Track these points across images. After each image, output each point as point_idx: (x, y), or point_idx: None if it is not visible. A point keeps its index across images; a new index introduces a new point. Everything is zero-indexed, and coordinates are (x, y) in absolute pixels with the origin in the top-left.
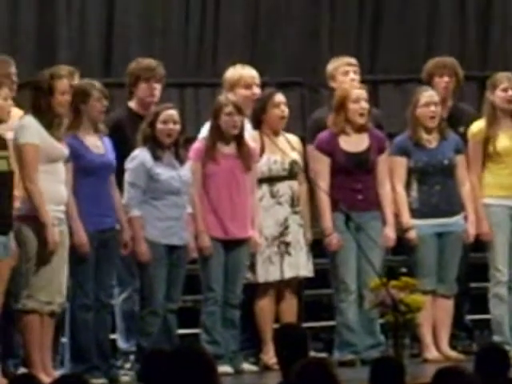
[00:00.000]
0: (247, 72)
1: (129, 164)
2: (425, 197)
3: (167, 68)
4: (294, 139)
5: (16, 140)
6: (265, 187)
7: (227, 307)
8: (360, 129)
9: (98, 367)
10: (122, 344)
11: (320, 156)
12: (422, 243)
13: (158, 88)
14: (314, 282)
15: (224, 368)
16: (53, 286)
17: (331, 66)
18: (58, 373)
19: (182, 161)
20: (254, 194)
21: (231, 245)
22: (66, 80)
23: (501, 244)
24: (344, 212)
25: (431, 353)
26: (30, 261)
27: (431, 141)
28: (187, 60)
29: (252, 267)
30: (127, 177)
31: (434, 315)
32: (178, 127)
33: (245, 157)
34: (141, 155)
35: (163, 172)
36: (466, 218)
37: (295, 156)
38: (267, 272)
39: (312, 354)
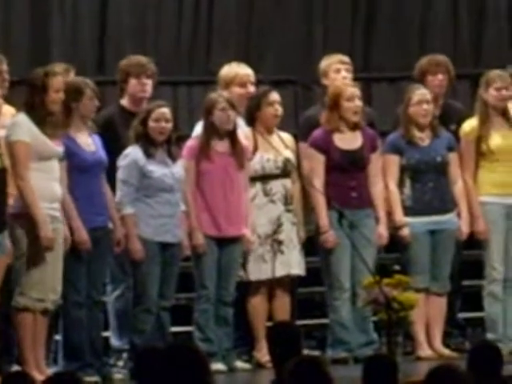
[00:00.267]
0: (242, 70)
1: (121, 162)
2: (418, 194)
3: (160, 66)
4: (287, 137)
5: (8, 137)
6: (258, 185)
7: (220, 305)
8: (354, 127)
9: (91, 365)
10: (114, 342)
11: (315, 153)
12: (415, 241)
13: (148, 84)
14: (306, 280)
15: (217, 366)
16: (46, 284)
17: (324, 64)
18: (51, 370)
19: (174, 158)
20: (247, 192)
21: (224, 242)
22: (60, 77)
23: (496, 242)
24: (337, 210)
25: (424, 351)
26: (21, 258)
27: (424, 138)
28: (180, 58)
29: (244, 265)
30: (120, 174)
31: (427, 313)
32: (170, 125)
33: (238, 154)
34: (133, 153)
35: (156, 169)
36: (459, 215)
37: (288, 154)
38: (259, 270)
39: (305, 351)
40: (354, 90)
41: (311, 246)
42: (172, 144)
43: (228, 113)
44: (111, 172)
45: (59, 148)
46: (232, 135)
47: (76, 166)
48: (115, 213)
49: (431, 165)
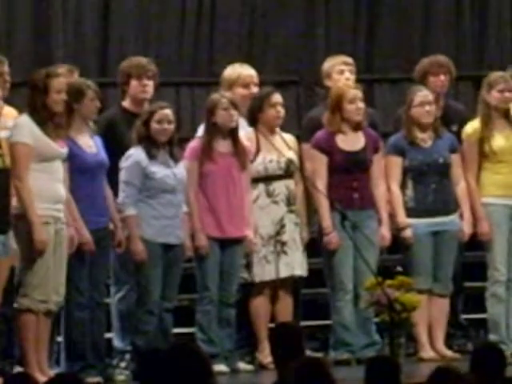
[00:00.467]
0: (245, 71)
1: (124, 163)
2: (420, 196)
3: (163, 67)
4: (290, 138)
5: (10, 138)
6: (261, 186)
7: (222, 306)
8: (356, 127)
9: (94, 366)
10: (117, 343)
11: (317, 155)
12: (418, 242)
13: (149, 85)
14: (310, 281)
15: (219, 367)
16: (48, 285)
17: (327, 65)
18: (53, 372)
19: (176, 159)
20: (248, 193)
21: (227, 244)
22: (62, 78)
23: (500, 243)
24: (339, 211)
25: (427, 352)
26: (24, 259)
27: (426, 140)
28: (183, 59)
29: (248, 266)
30: (122, 176)
31: (430, 314)
32: (172, 126)
33: (240, 154)
34: (135, 154)
35: (158, 170)
36: (461, 216)
37: (291, 155)
38: (263, 271)
39: (307, 353)
40: (356, 92)
41: (314, 247)
42: (174, 145)
43: (231, 112)
44: (114, 173)
45: (63, 149)
46: (234, 135)
47: (77, 168)
48: (116, 214)
49: (433, 166)
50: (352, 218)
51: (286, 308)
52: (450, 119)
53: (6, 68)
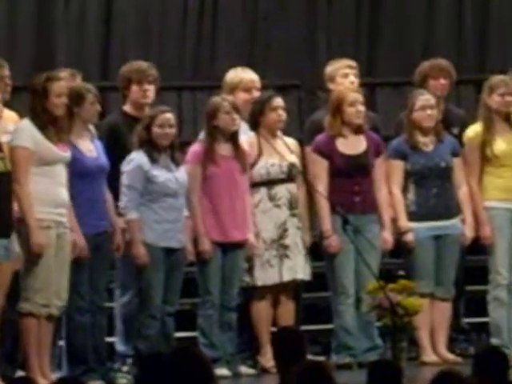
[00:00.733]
0: (247, 75)
1: (125, 167)
2: (422, 200)
3: (164, 71)
4: (292, 142)
5: (11, 142)
6: (263, 190)
7: (224, 310)
8: (357, 130)
9: (95, 370)
10: (120, 347)
11: (318, 159)
12: (420, 246)
13: (150, 89)
14: (311, 285)
15: (221, 371)
16: (50, 289)
17: (330, 68)
18: (55, 376)
19: (177, 163)
20: (249, 197)
21: (229, 247)
22: (62, 82)
23: (502, 247)
24: (341, 215)
25: (429, 356)
26: (26, 263)
27: (428, 144)
28: (184, 63)
29: (250, 270)
30: (124, 180)
31: (432, 318)
32: (174, 131)
33: (241, 157)
34: (137, 158)
35: (160, 174)
36: (463, 220)
37: (293, 159)
38: (266, 275)
39: (310, 357)
40: (356, 96)
41: (316, 250)
42: (175, 149)
43: (233, 116)
44: (117, 178)
45: (65, 153)
46: (234, 138)
47: (77, 172)
48: (116, 217)
49: (435, 170)
50: (354, 221)
51: (287, 312)
52: (451, 123)
53: (6, 72)
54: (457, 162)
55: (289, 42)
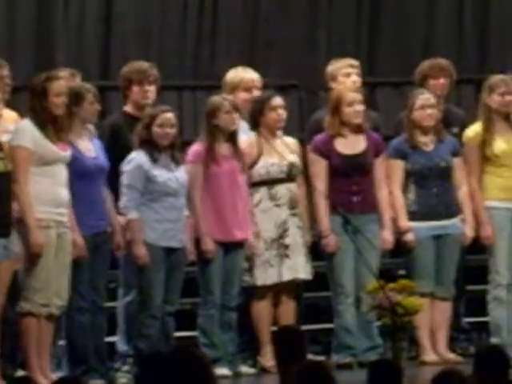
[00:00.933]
0: (248, 75)
1: (126, 166)
2: (422, 199)
3: (165, 71)
4: (292, 141)
5: (10, 142)
6: (263, 190)
7: (224, 310)
8: (356, 129)
9: (96, 369)
10: (121, 346)
11: (316, 158)
12: (420, 246)
13: (151, 90)
14: (312, 285)
15: (222, 371)
16: (50, 289)
17: (332, 67)
18: (55, 375)
19: (178, 163)
20: (248, 196)
21: (231, 247)
22: (61, 82)
23: (502, 247)
24: (342, 215)
25: (429, 355)
26: (25, 262)
27: (428, 143)
28: (185, 63)
29: (250, 270)
30: (124, 179)
31: (432, 318)
32: (174, 130)
33: (240, 157)
34: (137, 157)
35: (160, 174)
36: (463, 220)
37: (293, 158)
38: (266, 275)
39: (310, 356)
40: (354, 95)
41: (316, 250)
42: (176, 149)
43: (233, 115)
44: (118, 178)
45: (65, 152)
46: (233, 138)
47: (77, 172)
48: (115, 217)
49: (435, 170)
50: (353, 221)
51: (288, 311)
52: (451, 122)
53: (6, 72)
54: (457, 162)
55: (289, 41)
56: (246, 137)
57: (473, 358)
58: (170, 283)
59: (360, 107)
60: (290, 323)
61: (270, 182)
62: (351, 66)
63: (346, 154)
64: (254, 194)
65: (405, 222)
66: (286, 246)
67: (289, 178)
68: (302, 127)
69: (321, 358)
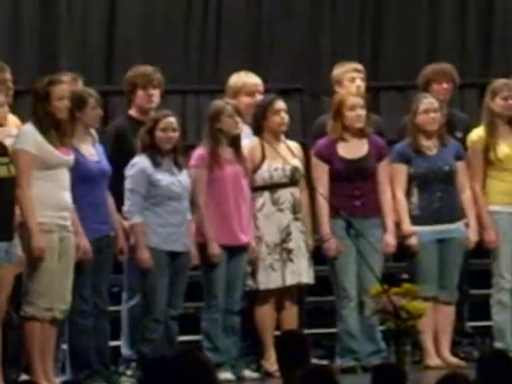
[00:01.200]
0: (250, 79)
1: (129, 171)
2: (425, 203)
3: (169, 75)
4: (295, 146)
5: (13, 146)
6: (266, 194)
7: (228, 314)
8: (359, 134)
9: (99, 373)
10: (125, 350)
11: (318, 163)
12: (423, 250)
13: (155, 94)
14: (315, 289)
15: (225, 375)
16: (53, 293)
17: (338, 71)
18: (59, 380)
19: (180, 167)
20: (250, 200)
21: (234, 251)
22: (64, 86)
23: (505, 251)
24: (344, 218)
25: (433, 359)
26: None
27: (431, 148)
28: (188, 67)
29: (253, 274)
30: (127, 184)
31: (436, 322)
32: (177, 134)
33: (243, 161)
34: (140, 162)
35: (163, 178)
36: (467, 224)
37: (296, 163)
38: (269, 279)
39: (313, 360)
40: (355, 100)
41: (319, 254)
42: (178, 153)
43: (236, 119)
44: (122, 182)
45: (68, 157)
46: (235, 142)
47: (80, 176)
48: (117, 221)
49: (439, 174)
50: (356, 225)
51: (291, 316)
52: (454, 126)
53: (8, 75)
54: (460, 166)
55: (292, 45)
56: (248, 141)
57: (476, 363)
58: (174, 287)
59: (362, 111)
60: (293, 327)
61: (273, 187)
62: (356, 70)
63: (349, 159)
64: (256, 198)
65: (408, 226)
66: (290, 251)
67: (291, 182)
68: (304, 131)
69: (324, 362)
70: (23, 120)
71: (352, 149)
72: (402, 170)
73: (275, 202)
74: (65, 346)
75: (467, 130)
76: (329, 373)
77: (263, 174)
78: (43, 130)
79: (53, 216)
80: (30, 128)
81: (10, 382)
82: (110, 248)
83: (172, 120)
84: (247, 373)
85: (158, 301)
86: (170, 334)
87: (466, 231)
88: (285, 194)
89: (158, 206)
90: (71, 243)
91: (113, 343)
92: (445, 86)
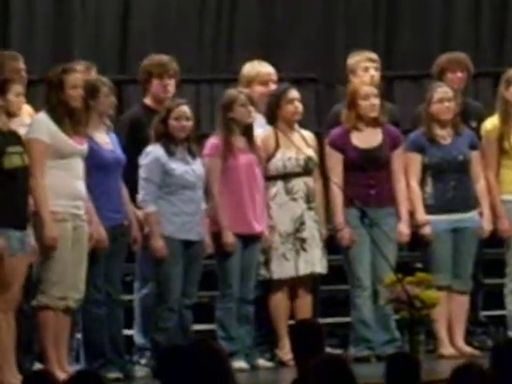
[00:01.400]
0: (264, 68)
1: (143, 160)
2: (440, 193)
3: (182, 64)
4: (309, 135)
5: (26, 135)
6: (279, 184)
7: (242, 303)
8: (373, 123)
9: (113, 362)
10: (138, 340)
11: (332, 152)
12: (437, 239)
13: (171, 83)
14: (329, 278)
15: (239, 364)
16: (66, 282)
17: (352, 61)
18: (73, 369)
19: (194, 155)
20: (264, 189)
21: (248, 240)
22: (78, 74)
23: None
24: (358, 208)
25: (446, 349)
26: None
27: (445, 137)
28: (202, 56)
29: (266, 264)
30: (142, 173)
31: (449, 311)
32: (190, 123)
33: (256, 150)
34: (154, 151)
35: (177, 167)
36: (481, 213)
37: (310, 152)
38: (282, 268)
39: (327, 350)
40: (369, 89)
41: (333, 243)
42: (191, 141)
43: (249, 108)
44: (136, 171)
45: (82, 146)
46: (248, 131)
47: (95, 164)
48: (131, 211)
49: (453, 163)
50: (370, 215)
51: (305, 305)
52: (469, 116)
53: (22, 65)
54: (474, 155)
55: (307, 35)
56: (262, 130)
57: (490, 352)
58: (188, 276)
59: (375, 101)
60: (307, 317)
61: (287, 176)
62: (370, 59)
63: (363, 148)
64: (270, 187)
65: (422, 216)
66: (303, 240)
67: (305, 171)
68: (319, 121)
69: (338, 351)
70: (37, 109)
71: (366, 138)
72: (416, 160)
73: (289, 192)
74: (79, 335)
75: (481, 119)
76: (343, 362)
77: (277, 163)
78: (57, 118)
79: (66, 205)
80: (43, 117)
81: (24, 371)
82: (124, 237)
83: (186, 109)
84: (261, 362)
85: (173, 290)
86: (184, 323)
87: (480, 220)
88: (298, 184)
89: (172, 194)
90: (85, 232)
91: (126, 332)
92: (459, 75)
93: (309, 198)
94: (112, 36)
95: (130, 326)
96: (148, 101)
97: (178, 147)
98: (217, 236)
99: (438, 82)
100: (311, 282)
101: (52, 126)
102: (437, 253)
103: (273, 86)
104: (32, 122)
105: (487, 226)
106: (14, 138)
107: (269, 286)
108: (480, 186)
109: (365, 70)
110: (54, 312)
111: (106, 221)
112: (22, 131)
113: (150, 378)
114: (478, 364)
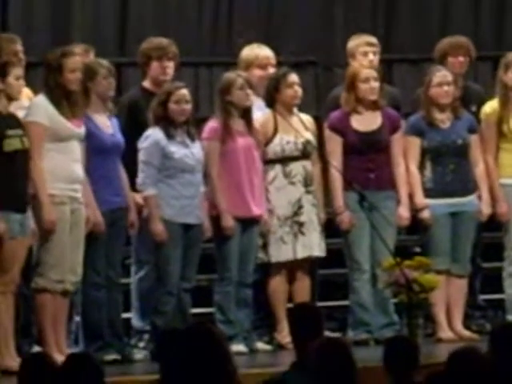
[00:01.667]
0: (263, 52)
1: (142, 143)
2: (438, 176)
3: (182, 47)
4: (308, 119)
5: (24, 118)
6: (278, 167)
7: (240, 287)
8: (372, 106)
9: (112, 345)
10: (136, 323)
11: (332, 135)
12: (436, 223)
13: (170, 66)
14: (327, 261)
15: (238, 347)
16: (64, 265)
17: (351, 44)
18: (72, 351)
19: (193, 138)
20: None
21: (247, 223)
22: (77, 57)
23: None
24: (357, 191)
25: (445, 332)
26: (40, 238)
27: (445, 121)
28: (201, 39)
29: (264, 247)
30: (141, 156)
31: (448, 295)
32: (190, 106)
33: (254, 133)
34: (154, 134)
35: (177, 150)
36: (479, 197)
37: (309, 136)
38: (279, 252)
39: (325, 333)
40: (369, 72)
41: (331, 227)
42: (190, 124)
43: (247, 91)
44: (135, 154)
45: (79, 129)
46: (247, 114)
47: (95, 147)
48: (130, 194)
49: (452, 147)
50: (369, 198)
51: (303, 288)
52: (469, 100)
53: (19, 47)
54: (474, 139)
55: (305, 17)
56: (260, 113)
57: (489, 336)
58: (187, 260)
59: (375, 84)
60: (306, 300)
61: (285, 160)
62: (369, 44)
63: (362, 131)
64: (268, 171)
65: (421, 199)
66: (301, 224)
67: (303, 155)
68: (318, 104)
69: (336, 334)
70: (35, 92)
71: (365, 121)
72: (415, 143)
73: (287, 175)
74: (78, 318)
75: (481, 103)
76: (342, 345)
77: (275, 148)
78: (55, 101)
79: (64, 188)
80: (41, 100)
81: (23, 354)
82: (123, 220)
83: (185, 92)
84: (260, 345)
85: (171, 273)
86: (182, 307)
87: (479, 204)
88: (297, 167)
89: (171, 178)
90: (82, 215)
91: (125, 315)
92: (461, 59)
93: (307, 182)
94: (111, 19)
95: (128, 309)
96: (147, 84)
97: (177, 130)
98: (216, 219)
99: (438, 65)
100: (309, 265)
101: (50, 109)
102: (435, 237)
103: (271, 70)
104: (30, 104)
105: (486, 209)
106: (13, 120)
107: (267, 270)
108: (479, 170)
109: (364, 54)
110: (52, 295)
111: (105, 204)
112: (20, 114)
113: (148, 361)
114: (477, 348)
